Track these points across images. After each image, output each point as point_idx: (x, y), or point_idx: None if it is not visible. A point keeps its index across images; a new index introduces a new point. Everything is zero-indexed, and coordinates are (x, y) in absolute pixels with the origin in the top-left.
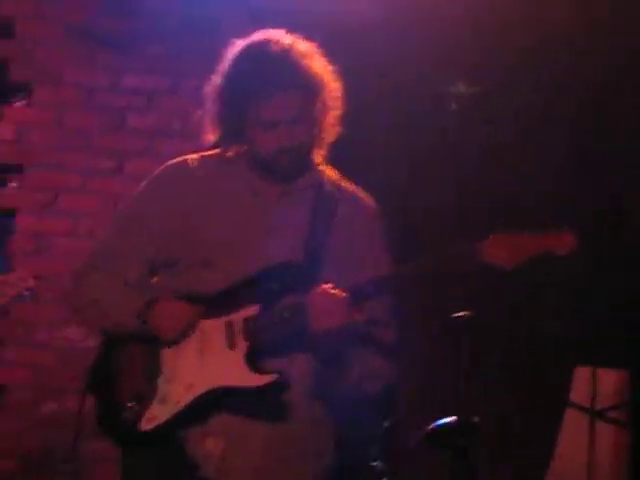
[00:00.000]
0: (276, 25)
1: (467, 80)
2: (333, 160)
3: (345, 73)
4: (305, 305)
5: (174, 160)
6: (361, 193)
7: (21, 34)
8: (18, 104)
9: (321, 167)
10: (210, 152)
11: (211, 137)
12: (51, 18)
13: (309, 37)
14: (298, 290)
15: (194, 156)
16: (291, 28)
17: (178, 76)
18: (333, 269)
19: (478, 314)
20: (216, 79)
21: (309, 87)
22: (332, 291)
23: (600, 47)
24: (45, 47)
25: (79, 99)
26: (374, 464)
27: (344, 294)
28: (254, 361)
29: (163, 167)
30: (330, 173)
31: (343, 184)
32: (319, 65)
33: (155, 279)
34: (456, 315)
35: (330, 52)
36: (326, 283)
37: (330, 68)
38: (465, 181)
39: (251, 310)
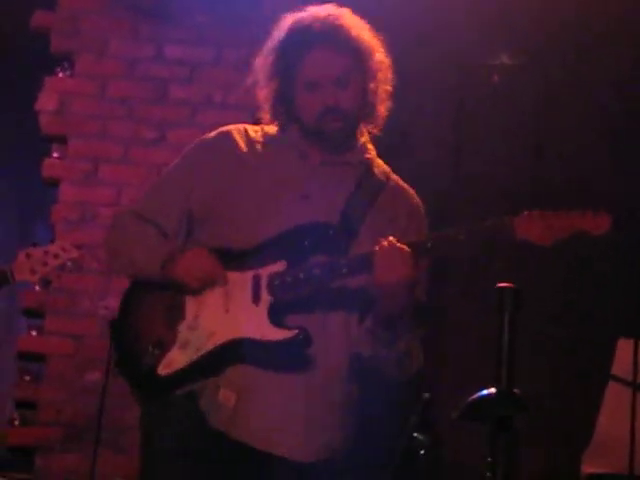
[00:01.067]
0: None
1: (511, 51)
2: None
3: (389, 43)
4: (372, 258)
5: (231, 125)
6: (409, 188)
7: (63, 5)
8: (61, 74)
9: (370, 150)
10: (269, 126)
11: (266, 116)
12: None
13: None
14: (328, 251)
15: (253, 126)
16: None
17: (221, 47)
18: (366, 243)
19: (521, 286)
20: (267, 55)
21: (355, 51)
22: (398, 244)
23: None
24: (88, 18)
25: (122, 70)
26: (414, 435)
27: (408, 248)
28: (278, 316)
29: (219, 130)
30: (380, 162)
31: (392, 176)
32: (367, 35)
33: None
34: (499, 286)
35: (374, 21)
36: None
37: (379, 42)
38: (508, 158)
39: (278, 265)
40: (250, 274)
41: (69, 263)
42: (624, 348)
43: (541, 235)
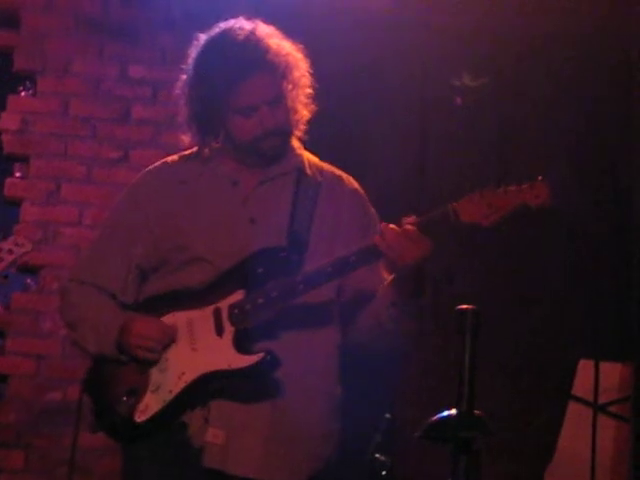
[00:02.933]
0: (286, 17)
1: (473, 72)
2: (339, 153)
3: (351, 67)
4: (378, 248)
5: (153, 165)
6: (343, 174)
7: (27, 24)
8: (23, 94)
9: (299, 151)
10: (188, 152)
11: (186, 139)
12: (59, 8)
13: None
14: (282, 273)
15: (173, 157)
16: (304, 19)
17: (181, 74)
18: (318, 251)
19: (482, 308)
20: (184, 78)
21: (280, 66)
22: (398, 228)
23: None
24: (52, 37)
25: (85, 89)
26: (376, 456)
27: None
28: (243, 344)
29: (143, 173)
30: (310, 157)
31: (325, 167)
32: (285, 45)
33: (146, 282)
34: (460, 308)
35: (336, 44)
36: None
37: (295, 47)
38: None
39: (237, 295)
40: (210, 309)
41: (28, 280)
42: (585, 369)
43: (484, 215)
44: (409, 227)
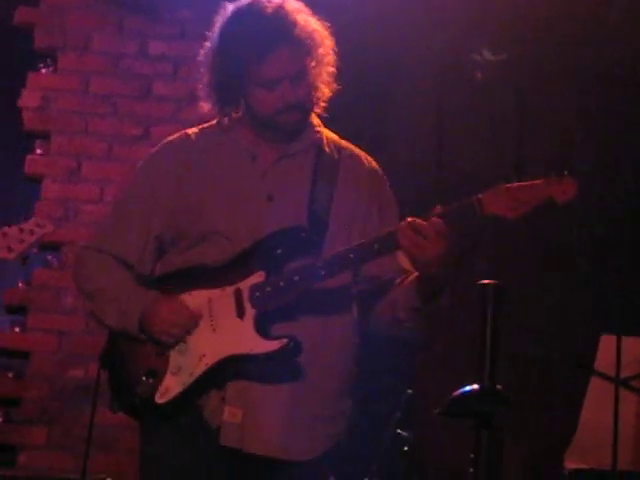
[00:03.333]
0: None
1: (493, 47)
2: (356, 129)
3: (373, 41)
4: (395, 240)
5: (172, 136)
6: (361, 152)
7: (47, 0)
8: (44, 71)
9: (319, 128)
10: (207, 124)
11: (205, 106)
12: None
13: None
14: (302, 254)
15: (193, 129)
16: None
17: (204, 42)
18: (338, 231)
19: (504, 283)
20: (209, 46)
21: (306, 42)
22: (419, 221)
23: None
24: (72, 14)
25: (105, 66)
26: (398, 431)
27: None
28: (264, 327)
29: (162, 144)
30: (329, 134)
31: (343, 144)
32: (313, 21)
33: (164, 256)
34: (481, 283)
35: (358, 14)
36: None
37: (322, 25)
38: (486, 150)
39: (257, 277)
40: (231, 289)
41: (49, 257)
42: (607, 344)
43: (510, 208)
44: (435, 220)
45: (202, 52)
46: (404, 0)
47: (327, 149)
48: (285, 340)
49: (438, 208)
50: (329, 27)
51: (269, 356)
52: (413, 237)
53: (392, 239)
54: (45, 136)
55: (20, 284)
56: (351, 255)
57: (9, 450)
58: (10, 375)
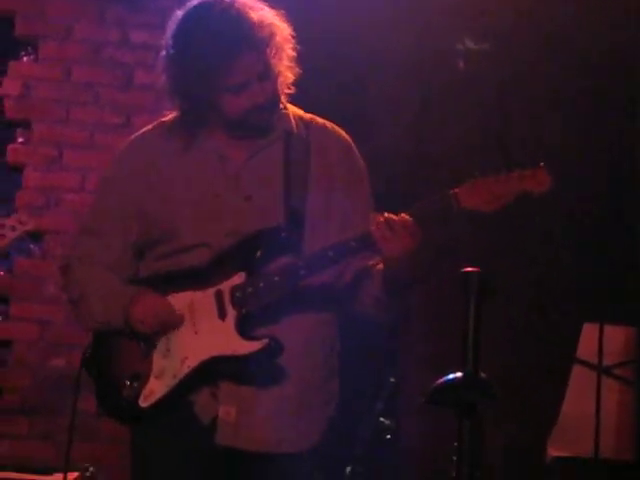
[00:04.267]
0: None
1: (477, 36)
2: (338, 115)
3: (353, 30)
4: (371, 237)
5: (140, 132)
6: (327, 123)
7: None
8: (25, 59)
9: (284, 111)
10: (168, 118)
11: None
12: None
13: None
14: (283, 253)
15: (161, 123)
16: None
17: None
18: (316, 222)
19: (487, 270)
20: (164, 53)
21: (268, 40)
22: (394, 217)
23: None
24: (53, 2)
25: (87, 54)
26: (381, 420)
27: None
28: (246, 329)
29: (130, 141)
30: (294, 111)
31: (308, 118)
32: (266, 14)
33: (142, 262)
34: (465, 270)
35: (333, 10)
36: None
37: (275, 13)
38: (468, 140)
39: (238, 278)
40: (212, 291)
41: (31, 246)
42: (589, 332)
43: (486, 202)
44: (404, 216)
45: (159, 61)
46: None
47: (295, 130)
48: (266, 340)
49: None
50: (282, 13)
51: (250, 357)
52: (385, 232)
53: (369, 237)
54: (26, 125)
55: (1, 273)
56: (330, 253)
57: None
58: None
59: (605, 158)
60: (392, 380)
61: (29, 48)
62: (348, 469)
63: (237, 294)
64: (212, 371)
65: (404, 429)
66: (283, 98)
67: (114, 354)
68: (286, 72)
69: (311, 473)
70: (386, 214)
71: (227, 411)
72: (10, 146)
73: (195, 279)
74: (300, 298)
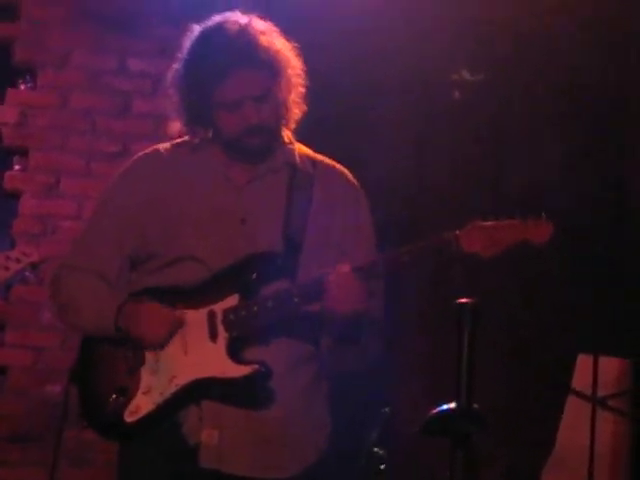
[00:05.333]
0: (287, 9)
1: (472, 67)
2: (338, 139)
3: (351, 60)
4: (322, 285)
5: (144, 152)
6: (337, 165)
7: (26, 16)
8: (22, 86)
9: (290, 145)
10: (179, 140)
11: (176, 125)
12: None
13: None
14: (277, 278)
15: (165, 145)
16: (304, 12)
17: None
18: (313, 252)
19: (481, 302)
20: (175, 66)
21: (270, 64)
22: (352, 276)
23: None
24: (51, 29)
25: (84, 81)
26: (374, 450)
27: (362, 283)
28: (236, 352)
29: (134, 158)
30: (302, 149)
31: (318, 158)
32: (278, 42)
33: (133, 275)
34: (459, 302)
35: (334, 39)
36: (342, 263)
37: (290, 45)
38: (465, 168)
39: (231, 300)
40: (204, 311)
41: (27, 272)
42: (584, 363)
43: (485, 247)
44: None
45: (170, 72)
46: (382, 20)
47: (300, 165)
48: (256, 366)
49: (407, 248)
50: (297, 47)
51: (240, 381)
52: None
53: (365, 270)
54: (23, 152)
55: None
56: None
57: None
58: None
59: (604, 189)
60: (386, 410)
61: (27, 76)
62: None
63: (230, 316)
64: (199, 392)
65: (398, 459)
66: (286, 132)
67: (101, 367)
68: (292, 106)
69: None
70: (342, 269)
71: (210, 434)
72: (7, 173)
73: (188, 298)
74: (289, 323)
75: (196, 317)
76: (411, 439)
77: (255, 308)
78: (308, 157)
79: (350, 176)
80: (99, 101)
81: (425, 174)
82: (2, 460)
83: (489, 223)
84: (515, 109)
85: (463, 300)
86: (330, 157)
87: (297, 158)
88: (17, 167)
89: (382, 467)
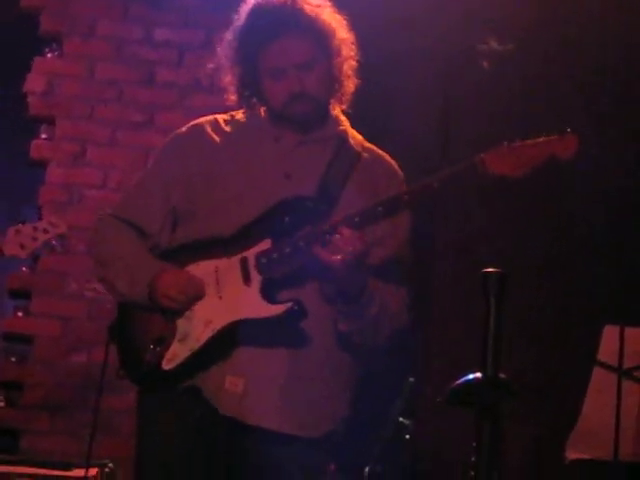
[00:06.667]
0: None
1: (500, 36)
2: (364, 116)
3: (375, 26)
4: (400, 202)
5: (202, 119)
6: (385, 154)
7: None
8: (49, 55)
9: (344, 124)
10: (235, 112)
11: (232, 97)
12: None
13: None
14: (309, 223)
15: (224, 116)
16: None
17: (209, 30)
18: (348, 206)
19: (507, 271)
20: (229, 41)
21: (317, 33)
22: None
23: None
24: None
25: (110, 51)
26: (400, 420)
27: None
28: (270, 293)
29: (190, 125)
30: (354, 133)
31: (367, 145)
32: (329, 15)
33: (174, 232)
34: (484, 271)
35: (358, 5)
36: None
37: (341, 19)
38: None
39: (263, 244)
40: (237, 258)
41: (54, 242)
42: (610, 334)
43: (513, 167)
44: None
45: (222, 44)
46: None
47: (350, 144)
48: (290, 304)
49: (435, 176)
50: (347, 20)
51: (274, 320)
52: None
53: (397, 202)
54: (50, 121)
55: (24, 268)
56: (356, 219)
57: (12, 435)
58: (13, 360)
59: (629, 156)
60: (412, 380)
61: (53, 45)
62: (367, 469)
63: (262, 260)
64: (235, 335)
65: (423, 429)
66: (341, 106)
67: (139, 320)
68: (343, 78)
69: (311, 466)
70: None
71: (234, 382)
72: (34, 142)
73: (221, 247)
74: (325, 268)
75: (229, 264)
76: (437, 409)
77: (287, 250)
78: (359, 140)
79: (396, 166)
80: (125, 71)
81: (448, 146)
82: (31, 429)
83: (515, 143)
84: (542, 79)
85: (489, 269)
86: (353, 128)
87: (349, 137)
88: (44, 136)
89: (408, 437)
